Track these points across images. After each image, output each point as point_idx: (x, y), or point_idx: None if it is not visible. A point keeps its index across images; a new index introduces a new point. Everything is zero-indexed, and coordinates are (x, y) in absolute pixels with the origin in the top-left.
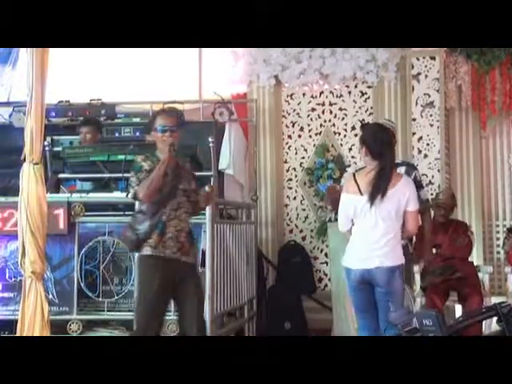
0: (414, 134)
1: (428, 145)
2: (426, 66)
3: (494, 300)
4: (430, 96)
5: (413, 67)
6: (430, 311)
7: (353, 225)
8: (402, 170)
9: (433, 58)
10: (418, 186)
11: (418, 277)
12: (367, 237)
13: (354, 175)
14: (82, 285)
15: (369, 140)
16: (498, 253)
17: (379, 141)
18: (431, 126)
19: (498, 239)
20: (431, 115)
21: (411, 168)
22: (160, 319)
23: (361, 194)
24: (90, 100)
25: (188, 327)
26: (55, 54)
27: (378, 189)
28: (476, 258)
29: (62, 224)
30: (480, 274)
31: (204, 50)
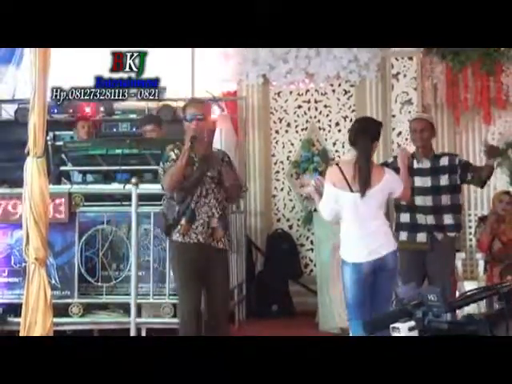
0: (393, 129)
1: (407, 139)
2: (404, 66)
3: (467, 284)
4: (408, 94)
5: (392, 67)
6: (435, 287)
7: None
8: (445, 160)
9: (411, 59)
10: (465, 166)
11: None
12: (367, 228)
13: (338, 166)
14: (83, 270)
15: (349, 129)
16: (471, 240)
17: (354, 129)
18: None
19: (470, 227)
20: (409, 112)
21: (453, 156)
22: (195, 303)
23: (350, 188)
24: None
25: (213, 315)
26: (57, 54)
27: (365, 182)
28: None
29: (63, 213)
30: None
31: (196, 50)
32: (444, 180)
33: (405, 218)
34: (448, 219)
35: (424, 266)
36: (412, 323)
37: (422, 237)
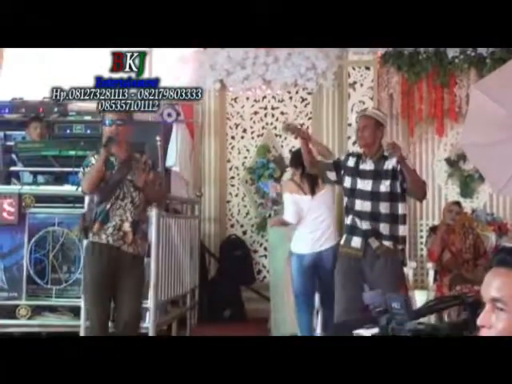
0: (349, 137)
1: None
2: (361, 76)
3: (417, 293)
4: (364, 103)
5: (349, 76)
6: (400, 295)
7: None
8: (391, 163)
9: (368, 68)
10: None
11: None
12: (315, 225)
13: (292, 179)
14: (31, 272)
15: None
16: (422, 249)
17: (292, 154)
18: None
19: (421, 237)
20: None
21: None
22: (104, 306)
23: (303, 192)
24: (43, 98)
25: (120, 318)
26: (10, 52)
27: (312, 187)
28: None
29: (12, 214)
30: (405, 269)
31: (154, 54)
32: (384, 186)
33: (348, 219)
34: (384, 229)
35: (360, 277)
36: (375, 330)
37: (356, 242)
